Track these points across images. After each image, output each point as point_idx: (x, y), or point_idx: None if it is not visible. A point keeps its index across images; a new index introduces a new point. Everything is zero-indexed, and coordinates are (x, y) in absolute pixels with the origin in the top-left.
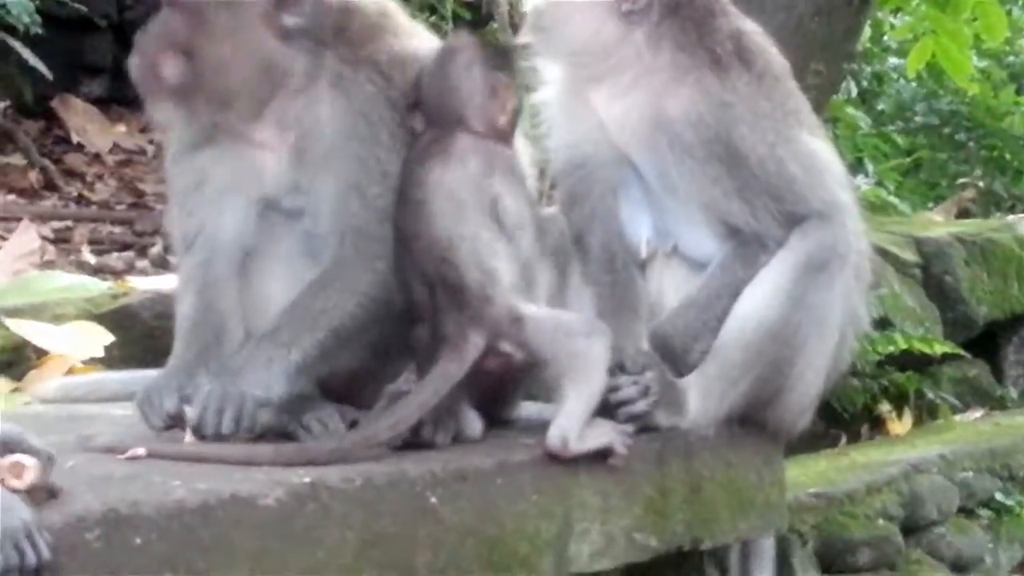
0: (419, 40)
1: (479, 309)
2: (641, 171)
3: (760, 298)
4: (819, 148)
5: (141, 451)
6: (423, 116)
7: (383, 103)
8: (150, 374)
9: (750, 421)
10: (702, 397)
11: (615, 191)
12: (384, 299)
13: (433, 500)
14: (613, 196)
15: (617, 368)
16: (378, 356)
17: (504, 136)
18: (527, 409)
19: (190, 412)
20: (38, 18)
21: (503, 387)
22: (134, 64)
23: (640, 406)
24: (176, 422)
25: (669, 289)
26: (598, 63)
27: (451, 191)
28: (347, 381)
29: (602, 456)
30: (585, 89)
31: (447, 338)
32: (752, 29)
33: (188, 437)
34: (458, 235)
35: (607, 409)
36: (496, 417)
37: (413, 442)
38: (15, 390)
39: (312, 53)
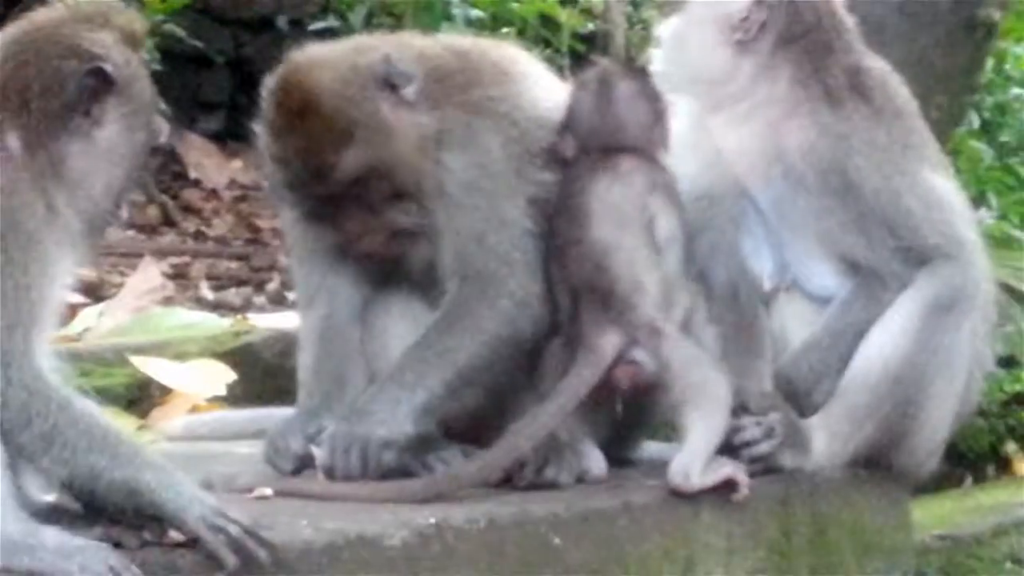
0: (534, 78)
1: (622, 312)
2: (758, 202)
3: (887, 339)
4: (940, 184)
5: (268, 491)
6: (578, 141)
7: (505, 152)
8: (273, 412)
9: (875, 463)
10: (827, 439)
11: (736, 223)
12: (509, 337)
13: (557, 541)
14: (735, 228)
15: (740, 409)
16: (502, 395)
17: (662, 158)
18: (649, 449)
19: (318, 453)
20: (157, 55)
21: (628, 414)
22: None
23: (764, 447)
24: (305, 462)
25: (791, 325)
26: (714, 92)
27: (614, 204)
28: (470, 420)
29: (725, 490)
30: (706, 119)
31: (584, 339)
32: (875, 65)
33: (319, 477)
34: (615, 244)
35: (730, 450)
36: (619, 457)
37: (537, 483)
38: (141, 427)
39: (433, 114)
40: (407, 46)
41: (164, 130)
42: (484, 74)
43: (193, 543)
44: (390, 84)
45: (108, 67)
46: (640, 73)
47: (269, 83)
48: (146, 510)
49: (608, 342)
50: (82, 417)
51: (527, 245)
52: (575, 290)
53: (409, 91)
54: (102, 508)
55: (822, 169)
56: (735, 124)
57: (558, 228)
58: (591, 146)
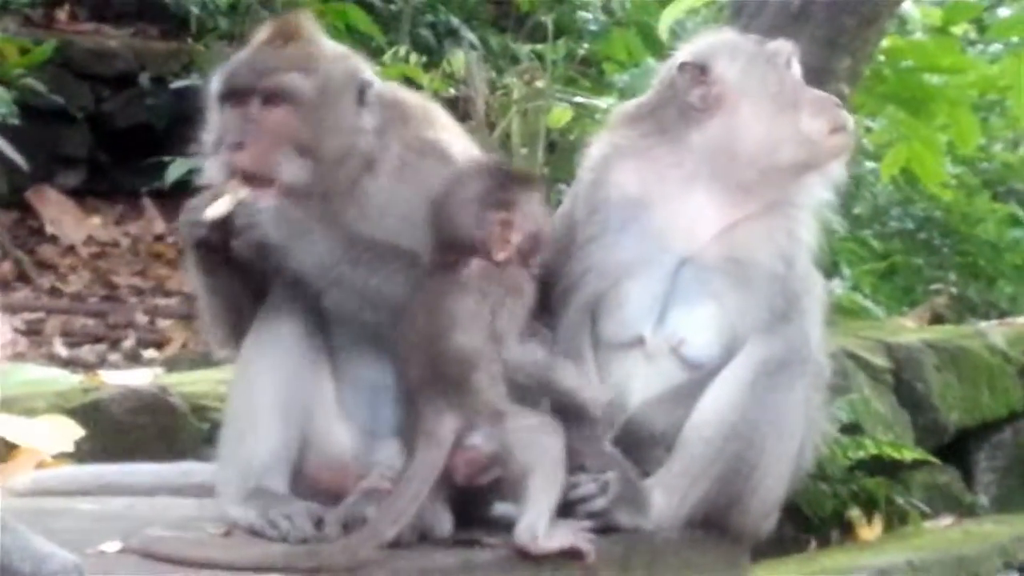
0: (455, 128)
1: (461, 398)
2: (677, 268)
3: (722, 394)
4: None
5: (116, 546)
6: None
7: None
8: (121, 468)
9: (714, 524)
10: (666, 496)
11: (633, 276)
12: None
13: None
14: (631, 281)
15: (578, 469)
16: None
17: (512, 262)
18: (494, 508)
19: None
20: (15, 109)
21: (470, 489)
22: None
23: (599, 503)
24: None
25: (655, 383)
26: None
27: (469, 311)
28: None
29: (569, 556)
30: (663, 172)
31: (422, 426)
32: None
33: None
34: (460, 338)
35: (566, 506)
36: (464, 515)
37: None
38: None
39: (375, 138)
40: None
41: None
42: (424, 117)
43: None
44: (360, 92)
45: None
46: (499, 173)
47: None
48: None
49: (447, 427)
50: None
51: None
52: (414, 379)
53: (367, 115)
54: None
55: (745, 260)
56: (689, 188)
57: (413, 318)
58: (444, 247)
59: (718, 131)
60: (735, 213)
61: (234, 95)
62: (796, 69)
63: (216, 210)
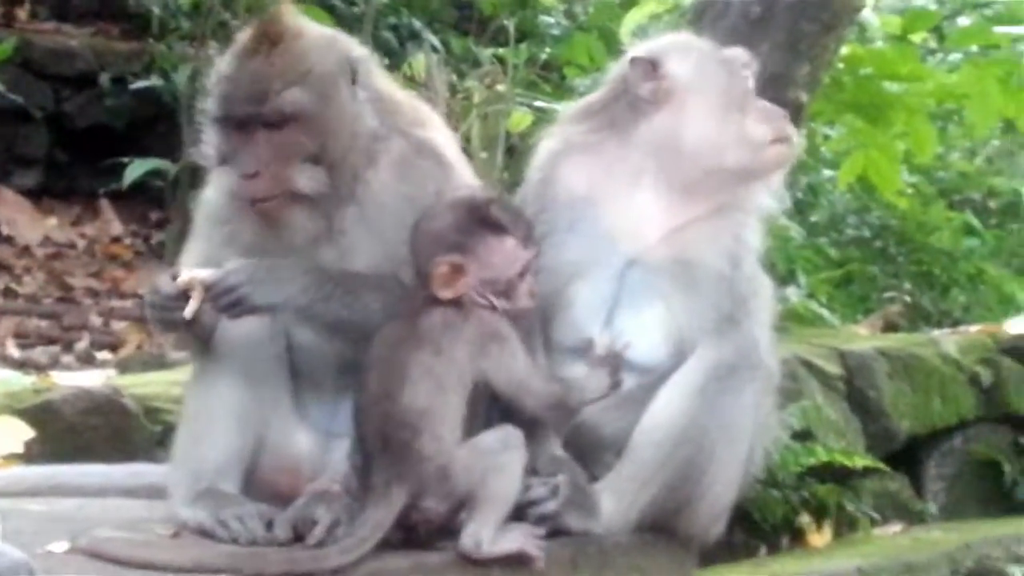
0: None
1: (413, 465)
2: (624, 269)
3: (672, 398)
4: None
5: (64, 546)
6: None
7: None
8: (72, 469)
9: (662, 528)
10: (615, 500)
11: (584, 279)
12: None
13: None
14: (583, 283)
15: (530, 471)
16: None
17: (476, 307)
18: None
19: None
20: None
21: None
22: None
23: (550, 506)
24: None
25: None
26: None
27: (421, 366)
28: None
29: (517, 561)
30: (613, 170)
31: (374, 483)
32: None
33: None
34: (415, 404)
35: (517, 509)
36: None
37: (329, 540)
38: None
39: (376, 127)
40: None
41: None
42: (414, 116)
43: None
44: (353, 72)
45: None
46: (468, 210)
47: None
48: None
49: (396, 496)
50: None
51: None
52: (366, 435)
53: (361, 93)
54: None
55: (692, 261)
56: (635, 185)
57: (371, 376)
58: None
59: (664, 124)
60: (682, 214)
61: (234, 122)
62: (749, 78)
63: (191, 310)
